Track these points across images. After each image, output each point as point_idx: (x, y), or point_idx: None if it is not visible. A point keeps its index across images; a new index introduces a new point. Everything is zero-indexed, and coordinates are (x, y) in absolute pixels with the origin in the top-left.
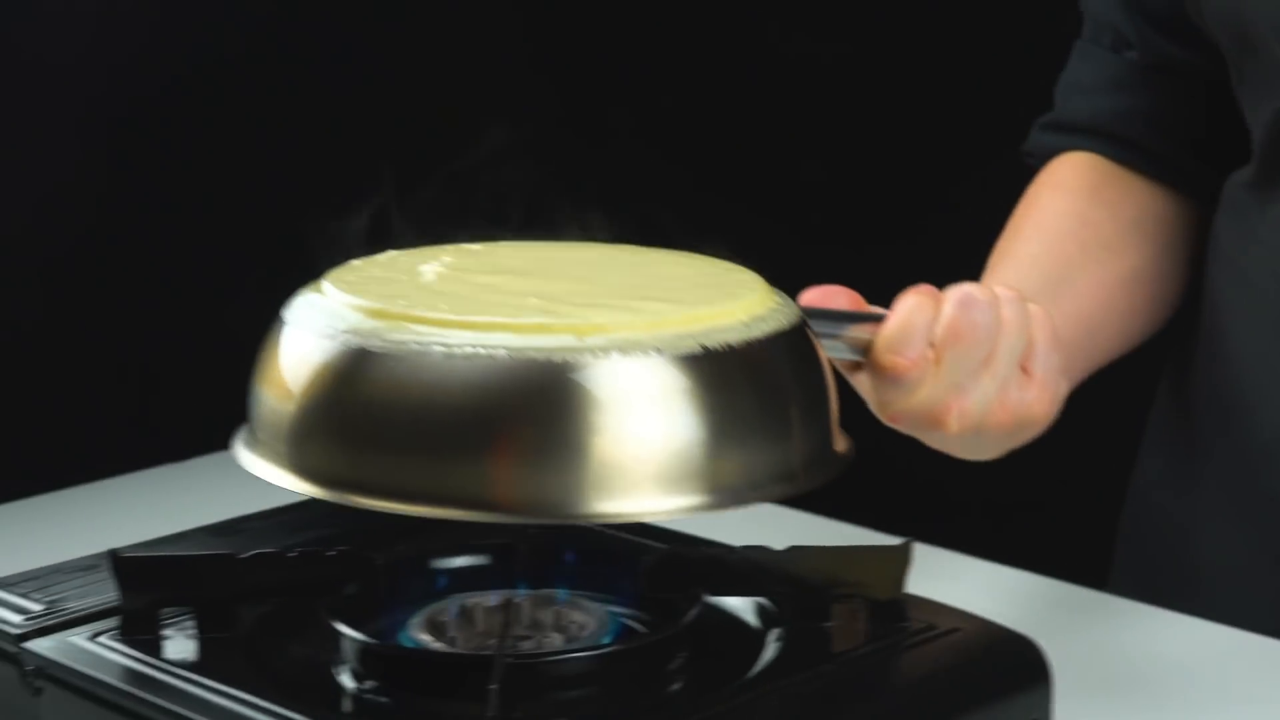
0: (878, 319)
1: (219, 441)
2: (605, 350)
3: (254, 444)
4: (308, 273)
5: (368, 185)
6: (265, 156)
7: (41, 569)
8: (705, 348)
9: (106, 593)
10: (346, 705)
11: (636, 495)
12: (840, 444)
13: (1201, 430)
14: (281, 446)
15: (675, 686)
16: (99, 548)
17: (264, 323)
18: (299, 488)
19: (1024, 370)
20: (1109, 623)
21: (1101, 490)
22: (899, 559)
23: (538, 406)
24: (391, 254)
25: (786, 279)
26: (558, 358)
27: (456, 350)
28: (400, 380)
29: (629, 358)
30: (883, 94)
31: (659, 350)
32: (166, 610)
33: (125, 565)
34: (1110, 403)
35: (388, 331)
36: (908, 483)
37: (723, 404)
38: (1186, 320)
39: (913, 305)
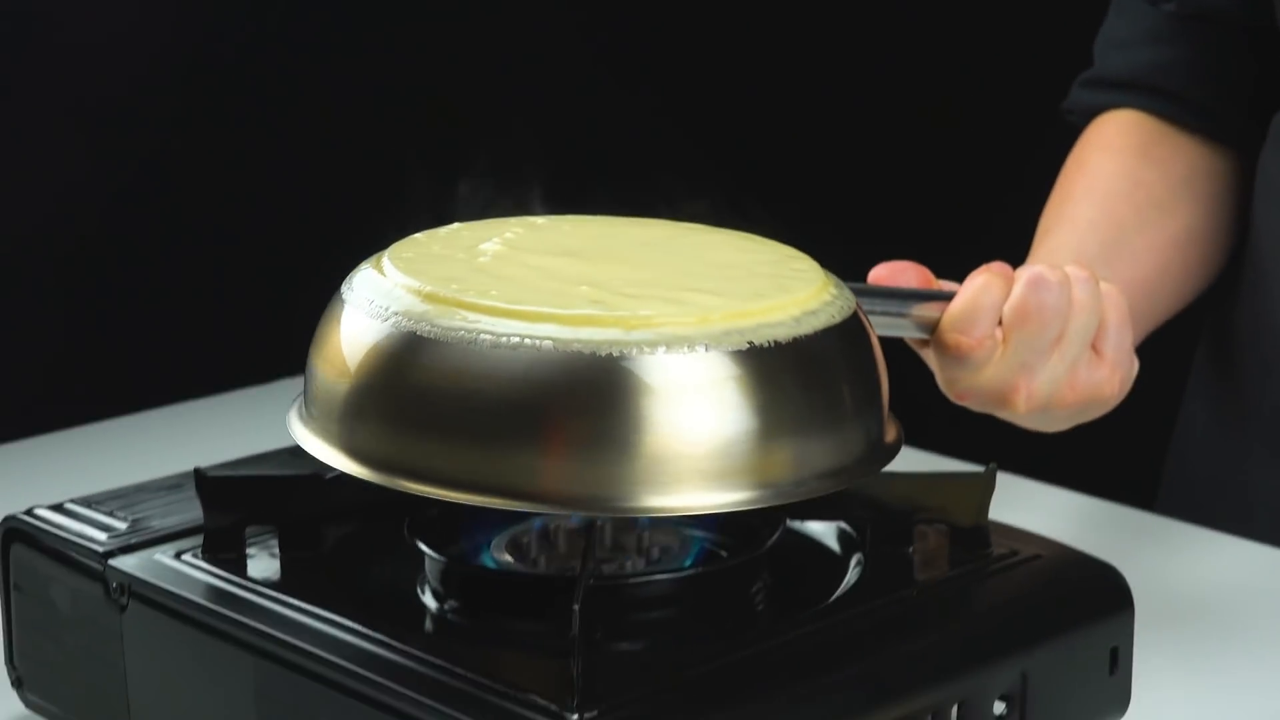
0: (946, 297)
1: (302, 365)
2: (652, 345)
3: (307, 418)
4: (388, 209)
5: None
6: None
7: (127, 488)
8: (752, 344)
9: (191, 511)
10: (428, 625)
11: (681, 490)
12: (890, 434)
13: (1246, 364)
14: (332, 425)
15: (756, 610)
16: (184, 467)
17: (347, 251)
18: (347, 468)
19: (1095, 350)
20: (1163, 546)
21: (1150, 421)
22: (982, 485)
23: (582, 400)
24: (455, 227)
25: (856, 253)
26: (603, 351)
27: (503, 340)
28: (447, 367)
29: (675, 353)
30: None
31: (706, 346)
32: (250, 529)
33: (210, 484)
34: (1159, 335)
35: (438, 316)
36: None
37: (770, 401)
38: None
39: (981, 284)
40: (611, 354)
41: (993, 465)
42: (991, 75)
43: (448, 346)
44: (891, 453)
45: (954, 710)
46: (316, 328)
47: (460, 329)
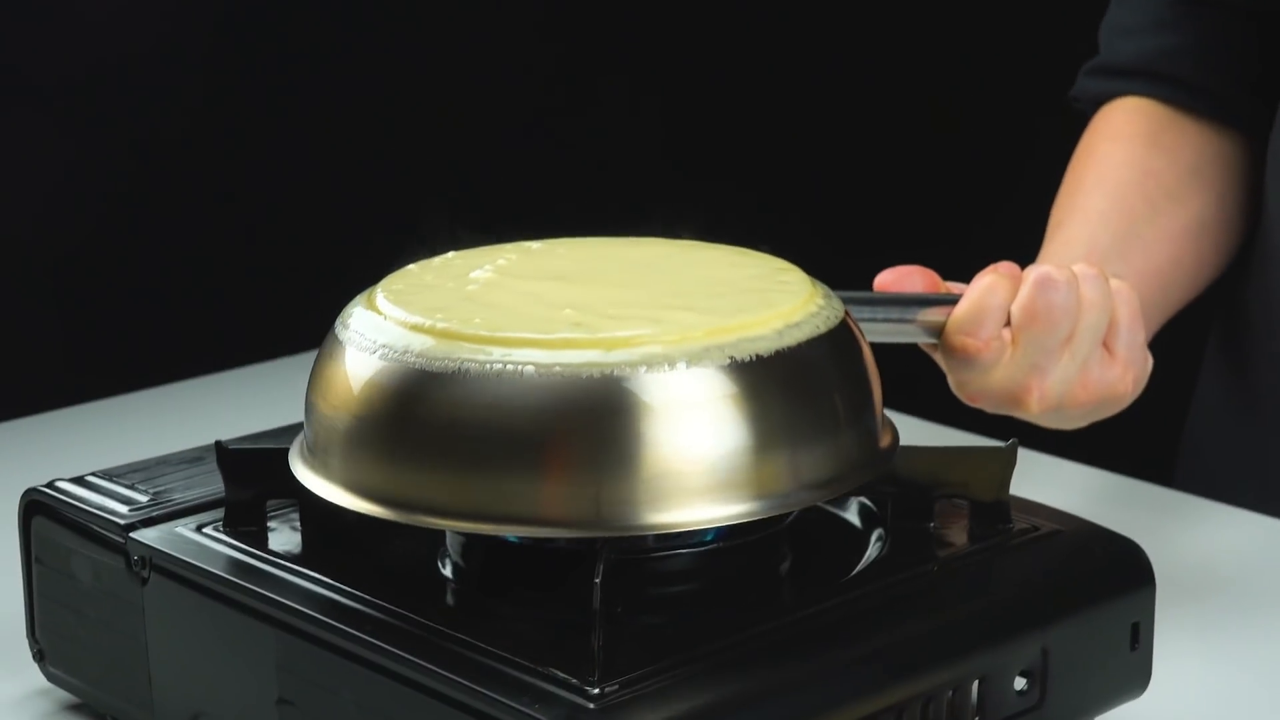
0: (952, 300)
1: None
2: (632, 365)
3: (308, 455)
4: (406, 188)
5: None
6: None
7: (148, 461)
8: (734, 359)
9: (212, 485)
10: (448, 598)
11: (672, 507)
12: (885, 438)
13: (1259, 343)
14: (333, 461)
15: (777, 585)
16: (205, 440)
17: (367, 226)
18: (350, 503)
19: (1107, 349)
20: (1181, 522)
21: (1167, 398)
22: (1003, 460)
23: (566, 422)
24: (450, 256)
25: (857, 257)
26: (584, 374)
27: (487, 367)
28: (433, 398)
29: (655, 372)
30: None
31: (686, 363)
32: (271, 503)
33: (231, 457)
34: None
35: (423, 348)
36: None
37: (756, 414)
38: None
39: (987, 286)
40: (592, 375)
41: (1013, 441)
42: (990, 75)
43: (433, 377)
44: (887, 458)
45: (975, 686)
46: (313, 364)
47: (444, 359)
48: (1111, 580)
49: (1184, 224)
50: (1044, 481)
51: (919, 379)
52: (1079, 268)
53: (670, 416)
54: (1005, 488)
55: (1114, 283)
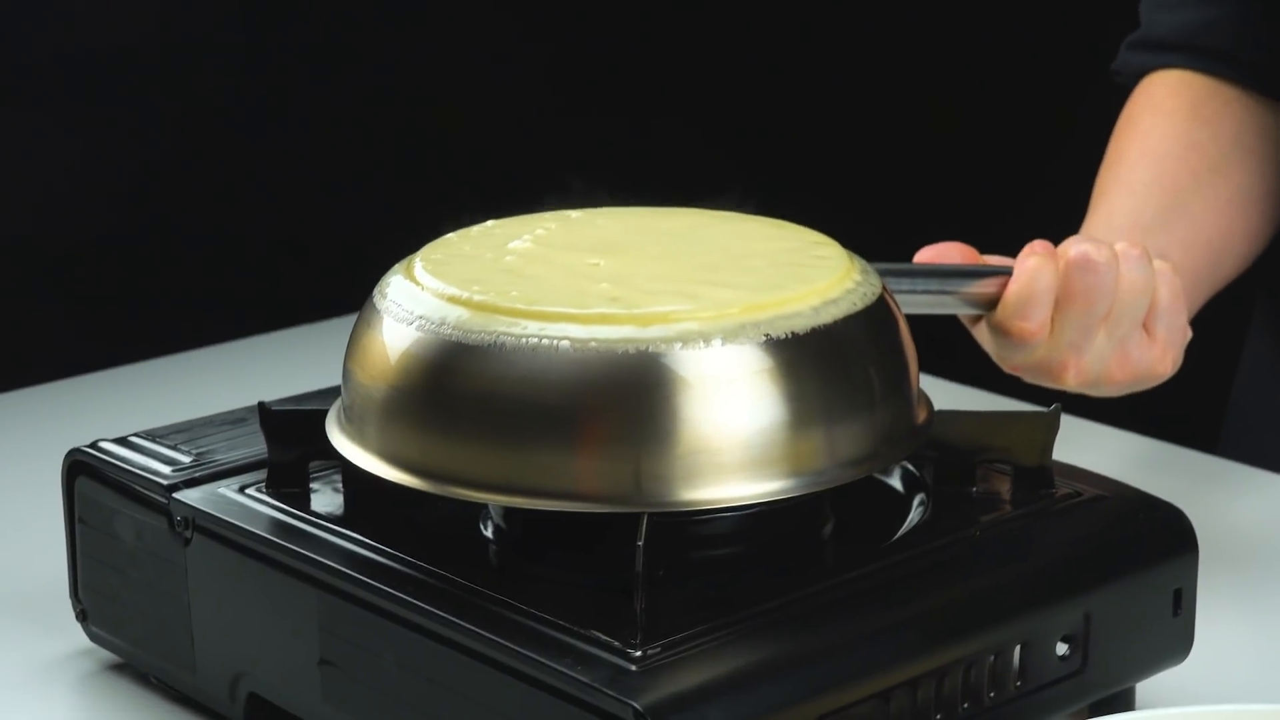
0: (995, 273)
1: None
2: (668, 341)
3: (345, 423)
4: (445, 151)
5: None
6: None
7: (192, 421)
8: (769, 336)
9: (255, 446)
10: (491, 560)
11: (707, 484)
12: (921, 414)
13: None
14: (369, 430)
15: (819, 549)
16: (248, 401)
17: (409, 190)
18: (386, 473)
19: (1146, 330)
20: (1225, 489)
21: (1212, 365)
22: (1046, 425)
23: (600, 398)
24: (489, 225)
25: (891, 236)
26: (619, 349)
27: (523, 341)
28: (469, 371)
29: (691, 349)
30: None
31: (722, 340)
32: (314, 464)
33: (274, 419)
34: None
35: (460, 320)
36: None
37: (792, 391)
38: None
39: (1034, 269)
40: (628, 351)
41: (1057, 405)
42: (1010, 63)
43: (468, 350)
44: (923, 433)
45: (1016, 650)
46: (351, 332)
47: (479, 332)
48: (1154, 546)
49: (1229, 196)
50: (1087, 447)
51: (956, 344)
52: (1121, 246)
53: (706, 393)
54: (1048, 453)
55: (1157, 264)
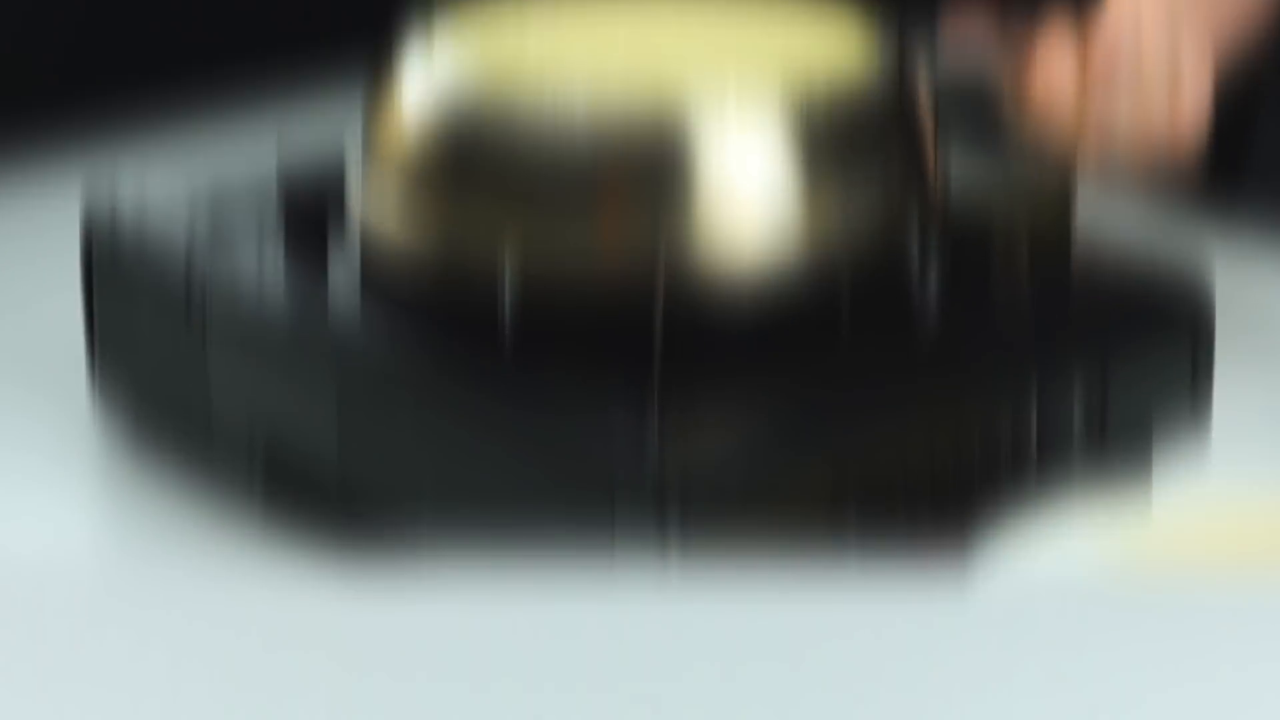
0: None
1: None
2: (687, 107)
3: (361, 184)
4: None
5: None
6: None
7: (209, 183)
8: (794, 103)
9: (274, 210)
10: (507, 328)
11: (725, 250)
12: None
13: None
14: (382, 194)
15: (837, 318)
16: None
17: None
18: (398, 240)
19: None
20: (1247, 257)
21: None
22: (1064, 188)
23: (616, 162)
24: None
25: None
26: (637, 115)
27: (540, 105)
28: (484, 135)
29: (710, 117)
30: None
31: (742, 107)
32: (332, 226)
33: (292, 186)
34: None
35: (478, 84)
36: None
37: (810, 159)
38: None
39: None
40: (646, 116)
41: (1072, 170)
42: None
43: (484, 115)
44: (944, 208)
45: (1033, 415)
46: (365, 93)
47: (496, 96)
48: (1173, 315)
49: None
50: (1107, 214)
51: None
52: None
53: (726, 161)
54: (1067, 219)
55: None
